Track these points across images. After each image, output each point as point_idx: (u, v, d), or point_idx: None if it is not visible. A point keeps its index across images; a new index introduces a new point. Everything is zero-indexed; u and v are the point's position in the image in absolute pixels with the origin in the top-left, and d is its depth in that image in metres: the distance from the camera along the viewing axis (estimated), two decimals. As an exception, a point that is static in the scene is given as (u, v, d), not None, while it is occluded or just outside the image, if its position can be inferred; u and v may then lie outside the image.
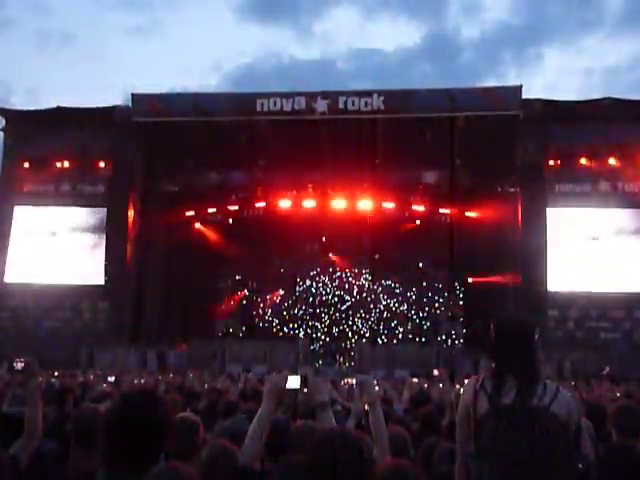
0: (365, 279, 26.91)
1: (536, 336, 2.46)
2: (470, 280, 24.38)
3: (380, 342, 25.24)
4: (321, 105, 20.42)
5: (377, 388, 3.76)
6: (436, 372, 16.71)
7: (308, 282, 26.75)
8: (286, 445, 2.93)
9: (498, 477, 2.24)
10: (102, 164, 22.28)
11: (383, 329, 26.01)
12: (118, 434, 2.00)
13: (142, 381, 10.67)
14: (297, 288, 26.69)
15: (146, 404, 2.06)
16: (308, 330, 25.88)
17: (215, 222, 25.20)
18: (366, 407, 2.83)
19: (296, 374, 2.79)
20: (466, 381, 2.53)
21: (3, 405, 4.48)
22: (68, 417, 3.85)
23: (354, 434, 1.98)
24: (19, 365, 3.19)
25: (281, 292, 26.80)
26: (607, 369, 16.36)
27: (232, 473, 2.59)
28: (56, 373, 12.41)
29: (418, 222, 24.42)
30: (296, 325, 26.15)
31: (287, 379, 2.74)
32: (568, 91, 62.14)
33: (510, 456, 2.20)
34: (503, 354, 2.43)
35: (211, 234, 25.10)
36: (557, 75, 64.83)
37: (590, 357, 18.78)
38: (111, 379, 9.95)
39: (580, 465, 2.29)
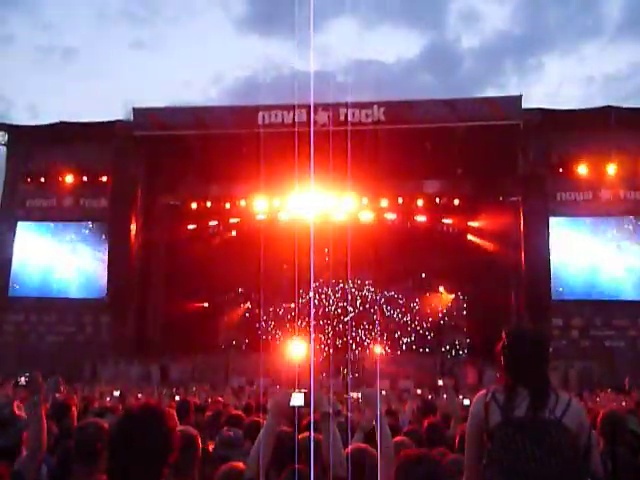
0: (368, 290, 26.84)
1: (550, 349, 2.44)
2: (473, 290, 24.30)
3: (384, 353, 25.12)
4: (322, 117, 20.47)
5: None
6: (440, 382, 16.69)
7: (311, 294, 26.68)
8: (291, 457, 2.91)
9: None
10: (104, 178, 22.31)
11: (386, 340, 25.90)
12: (123, 450, 1.97)
13: (145, 395, 10.62)
14: (300, 300, 26.61)
15: (151, 419, 2.03)
16: (311, 342, 25.77)
17: (217, 235, 25.18)
18: (372, 421, 2.81)
19: (300, 389, 2.78)
20: (477, 396, 2.49)
21: None
22: (69, 432, 3.82)
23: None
24: (23, 380, 3.16)
25: (284, 304, 26.71)
26: (627, 379, 16.32)
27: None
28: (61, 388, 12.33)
29: (420, 232, 24.36)
30: (299, 337, 26.05)
31: (291, 396, 2.73)
32: (569, 99, 62.12)
33: (521, 470, 2.17)
34: (517, 367, 2.39)
35: (213, 247, 25.07)
36: (558, 84, 64.94)
37: (595, 366, 18.68)
38: (117, 393, 9.92)
39: None
